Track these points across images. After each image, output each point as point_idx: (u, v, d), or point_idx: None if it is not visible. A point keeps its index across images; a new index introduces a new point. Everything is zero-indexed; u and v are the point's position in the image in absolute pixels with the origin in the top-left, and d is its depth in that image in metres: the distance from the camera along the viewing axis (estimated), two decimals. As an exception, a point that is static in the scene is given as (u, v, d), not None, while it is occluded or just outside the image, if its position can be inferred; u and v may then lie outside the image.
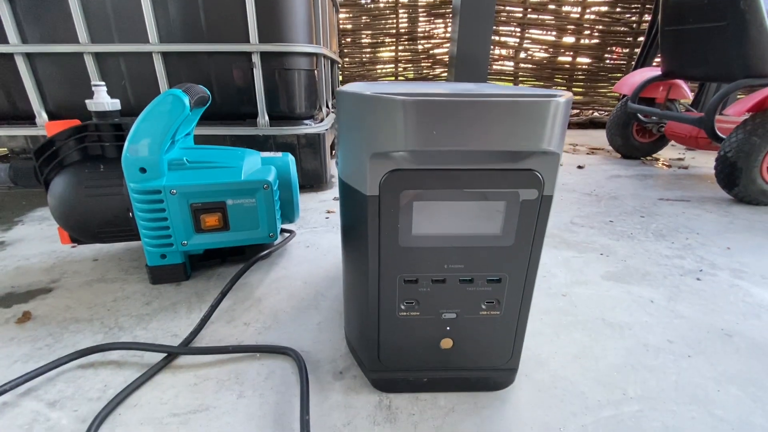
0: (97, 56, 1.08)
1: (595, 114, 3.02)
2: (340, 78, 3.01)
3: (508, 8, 2.73)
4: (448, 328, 0.44)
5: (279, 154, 0.79)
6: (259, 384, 0.49)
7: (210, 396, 0.47)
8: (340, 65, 2.71)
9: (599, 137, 2.46)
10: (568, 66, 2.90)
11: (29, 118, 1.13)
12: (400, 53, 3.01)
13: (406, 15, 2.88)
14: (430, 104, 0.32)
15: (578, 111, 3.05)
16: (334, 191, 1.28)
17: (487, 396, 0.47)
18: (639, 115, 1.73)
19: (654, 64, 1.94)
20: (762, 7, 1.16)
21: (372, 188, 0.37)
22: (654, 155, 1.95)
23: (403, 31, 2.93)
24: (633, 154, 1.87)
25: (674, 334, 0.60)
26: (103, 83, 0.68)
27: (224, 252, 0.78)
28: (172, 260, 0.69)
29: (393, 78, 3.08)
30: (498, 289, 0.42)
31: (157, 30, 1.06)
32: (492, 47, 2.75)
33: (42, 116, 1.12)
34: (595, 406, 0.46)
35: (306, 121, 1.21)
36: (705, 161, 1.86)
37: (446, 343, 0.45)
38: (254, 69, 1.10)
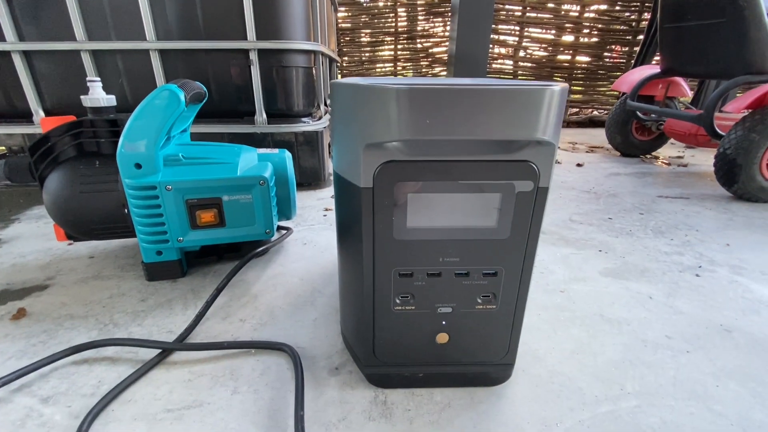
0: (95, 54, 1.08)
1: (595, 112, 3.01)
2: (339, 77, 3.00)
3: (507, 7, 2.73)
4: (443, 322, 0.43)
5: (276, 151, 0.79)
6: (254, 380, 0.48)
7: (204, 392, 0.46)
8: (339, 64, 2.71)
9: (598, 136, 2.46)
10: (567, 64, 2.89)
11: (26, 116, 1.13)
12: (399, 52, 3.00)
13: (405, 14, 2.88)
14: (424, 92, 0.32)
15: (578, 110, 3.05)
16: (332, 189, 1.27)
17: (484, 391, 0.47)
18: (638, 112, 1.73)
19: (653, 62, 1.94)
20: (761, 4, 1.16)
21: (366, 180, 0.36)
22: (653, 153, 1.95)
23: (402, 29, 2.92)
24: (632, 152, 1.86)
25: (673, 329, 0.59)
26: (98, 79, 0.67)
27: (220, 249, 0.78)
28: (167, 257, 0.69)
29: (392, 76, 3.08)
30: (494, 282, 0.41)
31: (155, 27, 1.05)
32: (491, 46, 2.75)
33: (39, 114, 1.12)
34: (592, 402, 0.46)
35: (304, 119, 1.21)
36: (704, 159, 1.85)
37: (442, 337, 0.44)
38: (252, 66, 1.10)
